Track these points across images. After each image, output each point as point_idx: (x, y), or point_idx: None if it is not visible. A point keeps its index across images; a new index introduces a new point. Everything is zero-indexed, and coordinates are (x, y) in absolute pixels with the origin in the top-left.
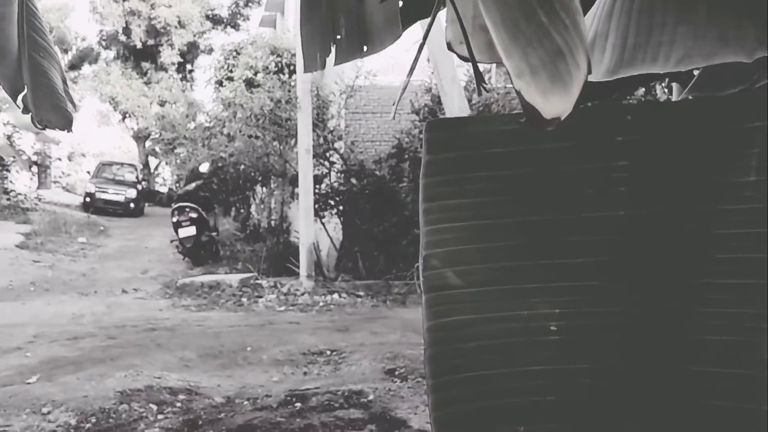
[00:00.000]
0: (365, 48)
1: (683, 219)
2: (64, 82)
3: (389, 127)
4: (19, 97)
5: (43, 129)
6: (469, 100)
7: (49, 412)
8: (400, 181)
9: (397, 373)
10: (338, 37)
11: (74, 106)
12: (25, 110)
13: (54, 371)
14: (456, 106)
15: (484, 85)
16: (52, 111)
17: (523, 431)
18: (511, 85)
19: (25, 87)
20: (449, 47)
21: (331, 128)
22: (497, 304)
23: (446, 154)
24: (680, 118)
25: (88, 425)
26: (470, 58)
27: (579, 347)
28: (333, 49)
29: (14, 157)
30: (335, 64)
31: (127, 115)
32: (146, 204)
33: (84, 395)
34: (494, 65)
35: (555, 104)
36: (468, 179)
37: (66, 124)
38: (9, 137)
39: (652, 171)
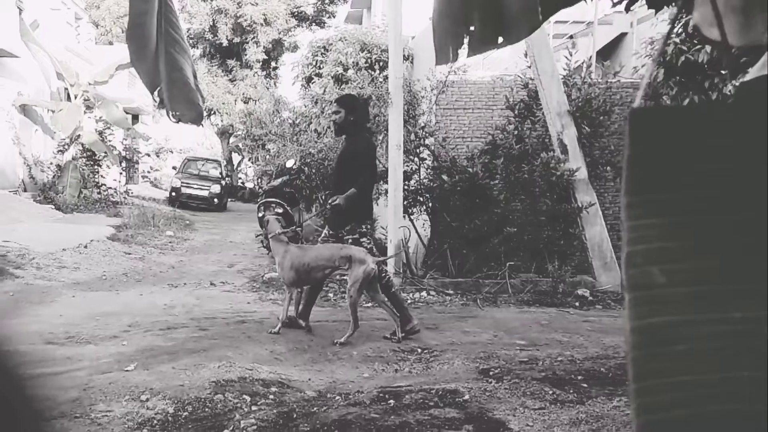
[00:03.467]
0: (500, 39)
1: None
2: (195, 76)
3: (481, 123)
4: (156, 92)
5: (177, 122)
6: (568, 96)
7: (147, 400)
8: (493, 178)
9: (491, 373)
10: (472, 28)
11: (204, 100)
12: (161, 104)
13: (150, 360)
14: (555, 101)
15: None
16: (185, 105)
17: None
18: (613, 80)
19: (162, 81)
20: (696, 30)
21: (422, 124)
22: (707, 304)
23: (651, 144)
24: None
25: (185, 414)
26: (722, 41)
27: None
28: (466, 41)
29: (105, 152)
30: (468, 56)
31: (212, 112)
32: (229, 199)
33: (180, 384)
34: (593, 59)
35: None
36: (675, 172)
37: (197, 118)
38: (101, 133)
39: None
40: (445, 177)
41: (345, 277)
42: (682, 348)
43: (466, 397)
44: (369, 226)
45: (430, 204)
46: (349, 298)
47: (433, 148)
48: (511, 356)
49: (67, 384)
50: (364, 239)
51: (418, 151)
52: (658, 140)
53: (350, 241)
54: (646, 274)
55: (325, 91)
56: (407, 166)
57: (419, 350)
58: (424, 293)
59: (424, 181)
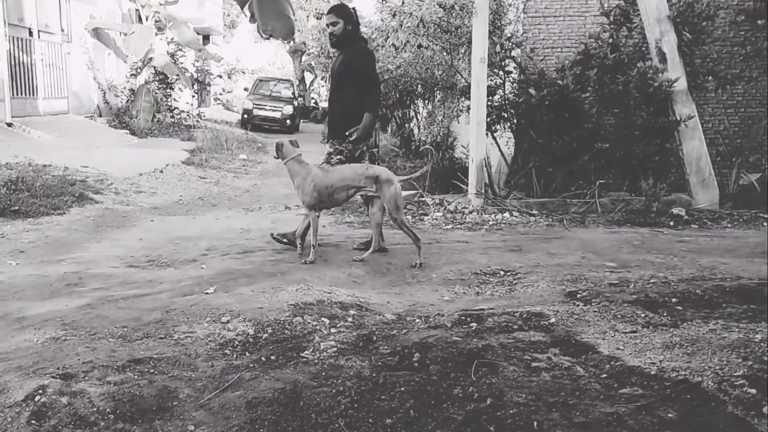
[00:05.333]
0: None
1: None
2: None
3: (573, 32)
4: (246, 6)
5: (268, 38)
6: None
7: (228, 321)
8: (584, 90)
9: (579, 296)
10: None
11: (294, 12)
12: (252, 19)
13: (229, 283)
14: (653, 6)
15: None
16: (276, 19)
17: None
18: None
19: None
20: None
21: (508, 35)
22: None
23: None
24: None
25: (265, 335)
26: None
27: None
28: None
29: (178, 75)
30: None
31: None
32: (302, 120)
33: (259, 306)
34: None
35: None
36: None
37: (289, 33)
38: (172, 55)
39: None
40: (532, 91)
41: (423, 199)
42: None
43: (552, 320)
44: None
45: (515, 120)
46: (394, 221)
47: (519, 60)
48: (600, 278)
49: (150, 306)
50: (337, 156)
51: (503, 63)
52: None
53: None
54: None
55: (403, 2)
56: (491, 80)
57: (502, 272)
58: (506, 214)
59: (510, 95)
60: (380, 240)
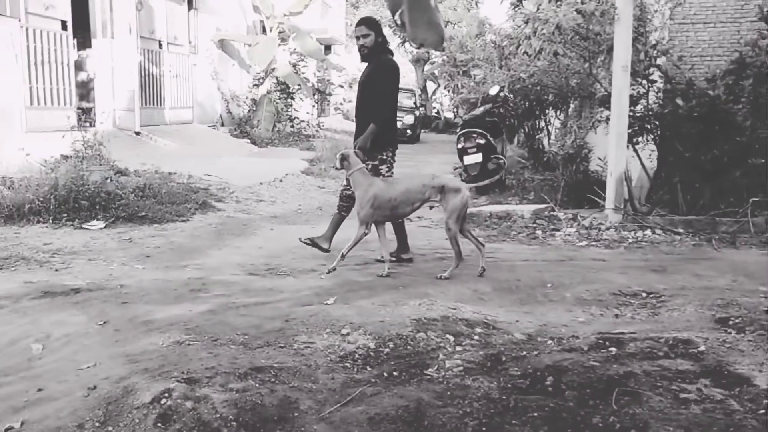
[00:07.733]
0: None
1: None
2: None
3: (725, 39)
4: (397, 14)
5: (419, 48)
6: None
7: (348, 334)
8: (737, 101)
9: (731, 322)
10: None
11: (444, 23)
12: (401, 27)
13: (348, 294)
14: None
15: None
16: (426, 29)
17: None
18: None
19: (403, 3)
20: None
21: (654, 42)
22: None
23: None
24: None
25: (386, 350)
26: None
27: None
28: None
29: (299, 85)
30: None
31: (407, 39)
32: (422, 130)
33: (380, 320)
34: None
35: None
36: None
37: (438, 42)
38: (294, 65)
39: None
40: (679, 101)
41: (554, 213)
42: None
43: (702, 348)
44: (391, 153)
45: (659, 132)
46: (449, 231)
47: (665, 68)
48: (755, 304)
49: (270, 314)
50: (383, 166)
51: (647, 72)
52: None
53: (369, 167)
54: None
55: (538, 9)
56: (633, 89)
57: (644, 294)
58: (648, 231)
59: (654, 106)
60: (481, 245)
